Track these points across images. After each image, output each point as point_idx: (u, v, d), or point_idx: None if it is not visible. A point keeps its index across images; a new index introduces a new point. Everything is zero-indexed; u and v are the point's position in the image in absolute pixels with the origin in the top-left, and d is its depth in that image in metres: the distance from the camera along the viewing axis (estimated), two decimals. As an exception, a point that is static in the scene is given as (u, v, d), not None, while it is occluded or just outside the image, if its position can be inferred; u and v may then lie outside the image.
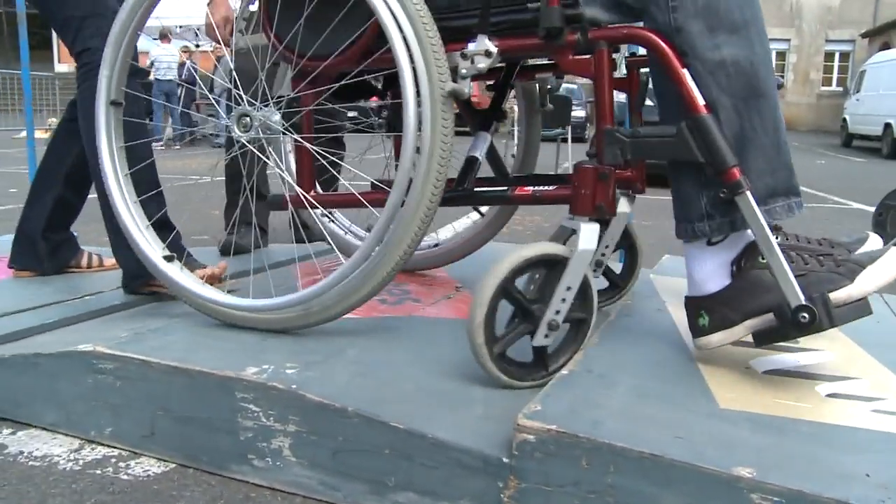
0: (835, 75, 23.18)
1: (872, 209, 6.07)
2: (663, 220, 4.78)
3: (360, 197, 1.46)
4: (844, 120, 16.64)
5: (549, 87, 2.13)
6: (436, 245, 2.00)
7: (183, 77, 11.89)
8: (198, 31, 12.91)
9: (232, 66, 1.57)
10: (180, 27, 11.93)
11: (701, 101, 1.18)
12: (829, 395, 1.19)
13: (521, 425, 0.98)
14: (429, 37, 1.28)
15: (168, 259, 1.52)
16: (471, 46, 1.31)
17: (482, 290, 1.15)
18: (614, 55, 1.57)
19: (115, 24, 1.53)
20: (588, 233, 1.22)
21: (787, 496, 0.87)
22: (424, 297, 1.69)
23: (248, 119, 1.45)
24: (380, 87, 1.71)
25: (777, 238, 1.23)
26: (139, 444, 1.26)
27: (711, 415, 1.09)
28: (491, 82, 1.70)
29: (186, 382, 1.19)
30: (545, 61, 1.73)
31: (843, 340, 1.48)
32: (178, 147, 11.92)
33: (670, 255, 2.34)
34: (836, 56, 23.20)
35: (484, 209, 1.96)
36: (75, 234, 2.13)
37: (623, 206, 1.51)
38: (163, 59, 11.71)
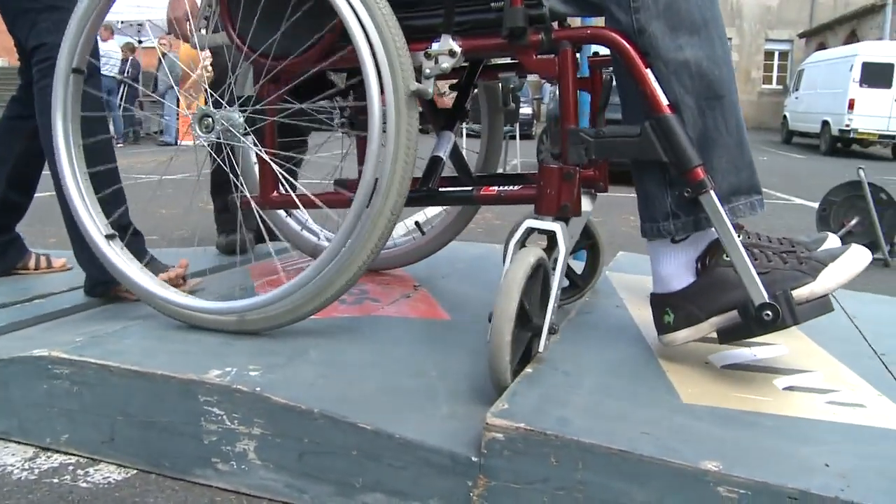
0: (774, 74, 23.77)
1: (814, 205, 6.25)
2: (614, 216, 4.85)
3: (316, 200, 1.44)
4: (785, 117, 17.09)
5: (511, 86, 2.13)
6: (394, 245, 1.99)
7: (126, 74, 11.64)
8: (140, 28, 12.69)
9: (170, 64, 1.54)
10: (122, 23, 11.68)
11: (664, 101, 1.19)
12: (787, 388, 1.22)
13: (489, 424, 0.98)
14: (392, 36, 1.27)
15: (109, 238, 1.48)
16: (435, 46, 1.31)
17: (504, 307, 1.11)
18: (576, 55, 1.59)
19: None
20: (562, 232, 1.22)
21: (753, 488, 0.89)
22: (383, 297, 1.68)
23: (209, 120, 1.43)
24: (342, 85, 1.69)
25: (740, 237, 1.25)
26: (98, 450, 1.22)
27: (675, 410, 1.10)
28: (454, 82, 1.70)
29: (147, 386, 1.17)
30: (508, 60, 1.74)
31: (796, 335, 1.51)
32: (120, 145, 11.66)
33: (624, 251, 2.36)
34: (776, 55, 23.77)
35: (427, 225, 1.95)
36: (21, 234, 2.07)
37: (585, 205, 1.52)
38: (104, 55, 11.44)
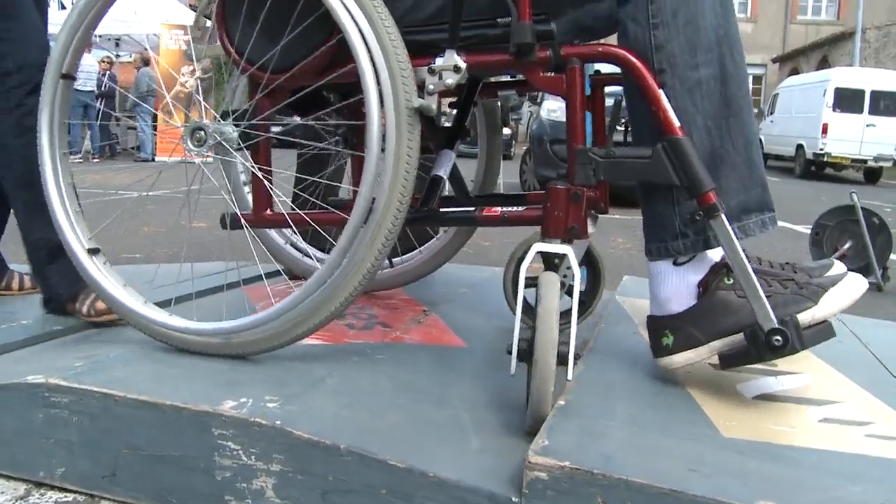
0: (749, 97, 24.09)
1: (797, 227, 6.29)
2: (600, 239, 4.83)
3: (308, 219, 1.39)
4: (760, 140, 17.25)
5: (511, 104, 2.09)
6: (390, 265, 1.93)
7: (103, 88, 11.50)
8: (118, 42, 12.57)
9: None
10: (100, 37, 11.55)
11: (677, 123, 1.16)
12: (822, 421, 1.18)
13: (531, 462, 0.92)
14: (395, 51, 1.22)
15: (92, 252, 1.42)
16: (438, 61, 1.26)
17: (547, 337, 1.06)
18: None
19: (42, 116, 1.43)
20: (573, 255, 1.18)
21: (811, 530, 0.84)
22: (394, 323, 1.62)
23: (202, 133, 1.36)
24: (336, 101, 1.63)
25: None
26: (98, 485, 1.14)
27: (717, 444, 1.05)
28: (453, 100, 1.65)
29: (156, 417, 1.09)
30: (507, 78, 1.69)
31: (815, 362, 1.48)
32: (96, 160, 11.51)
33: (626, 275, 2.32)
34: (750, 79, 24.10)
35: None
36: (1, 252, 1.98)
37: (588, 226, 1.48)
38: (84, 68, 11.31)
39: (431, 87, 1.26)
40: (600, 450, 0.98)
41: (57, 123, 1.44)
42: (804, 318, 1.17)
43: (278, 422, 1.03)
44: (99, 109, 11.62)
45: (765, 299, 1.13)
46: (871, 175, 14.92)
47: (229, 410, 1.06)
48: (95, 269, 1.41)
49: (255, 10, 1.34)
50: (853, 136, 14.07)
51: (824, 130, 14.19)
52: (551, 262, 1.20)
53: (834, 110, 14.20)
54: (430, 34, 1.32)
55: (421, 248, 1.89)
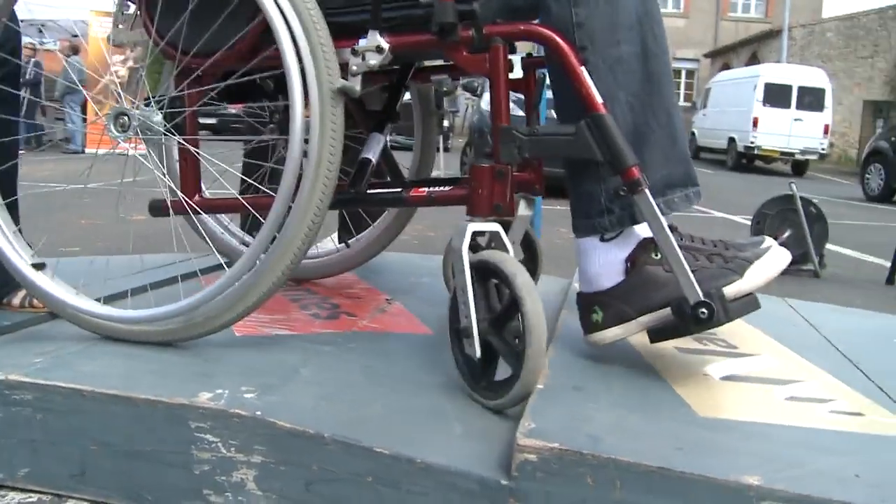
0: (682, 91, 24.65)
1: (734, 217, 6.47)
2: (545, 229, 4.86)
3: (244, 202, 1.37)
4: (693, 133, 17.73)
5: (444, 89, 2.09)
6: (319, 255, 1.91)
7: (27, 77, 11.08)
8: (42, 28, 12.13)
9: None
10: (22, 21, 11.12)
11: (599, 100, 1.17)
12: (788, 399, 1.21)
13: (521, 445, 0.92)
14: (317, 32, 1.22)
15: (37, 267, 1.37)
16: (361, 42, 1.26)
17: (540, 316, 1.06)
18: (511, 56, 1.55)
19: None
20: (460, 231, 1.17)
21: (797, 501, 0.86)
22: (358, 312, 1.60)
23: (125, 118, 1.33)
24: (271, 87, 1.61)
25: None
26: (66, 485, 1.10)
27: (696, 424, 1.07)
28: (384, 84, 1.64)
29: (129, 412, 1.06)
30: (441, 63, 1.69)
31: (771, 344, 1.52)
32: (22, 152, 11.08)
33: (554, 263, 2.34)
34: (683, 73, 24.69)
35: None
36: None
37: (522, 209, 1.50)
38: (2, 56, 10.90)
39: (355, 68, 1.25)
40: (587, 431, 0.98)
41: None
42: (730, 290, 1.18)
43: (258, 412, 1.01)
44: (23, 99, 11.20)
45: (690, 273, 1.14)
46: (798, 167, 15.44)
47: (206, 402, 1.03)
48: (45, 283, 1.36)
49: None
50: (782, 130, 14.52)
51: (755, 124, 14.62)
52: (477, 242, 1.20)
53: (764, 105, 14.63)
54: (354, 16, 1.32)
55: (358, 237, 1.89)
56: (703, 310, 1.13)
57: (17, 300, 1.61)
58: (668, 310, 1.19)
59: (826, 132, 14.90)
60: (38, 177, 7.03)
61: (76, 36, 11.31)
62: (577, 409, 1.07)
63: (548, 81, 1.34)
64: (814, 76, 15.07)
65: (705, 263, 1.22)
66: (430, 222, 4.51)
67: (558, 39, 1.19)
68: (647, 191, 1.15)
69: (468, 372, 1.16)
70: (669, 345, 1.44)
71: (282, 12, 1.21)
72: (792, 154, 14.87)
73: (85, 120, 11.23)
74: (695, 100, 21.23)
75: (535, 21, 1.28)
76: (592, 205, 1.26)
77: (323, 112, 1.21)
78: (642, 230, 1.26)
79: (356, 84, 1.24)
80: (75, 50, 11.17)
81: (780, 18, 18.97)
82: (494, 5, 1.31)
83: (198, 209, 1.40)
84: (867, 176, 11.11)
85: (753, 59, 20.92)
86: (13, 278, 1.58)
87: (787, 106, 14.69)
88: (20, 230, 1.42)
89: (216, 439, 1.02)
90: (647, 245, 1.24)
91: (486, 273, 1.14)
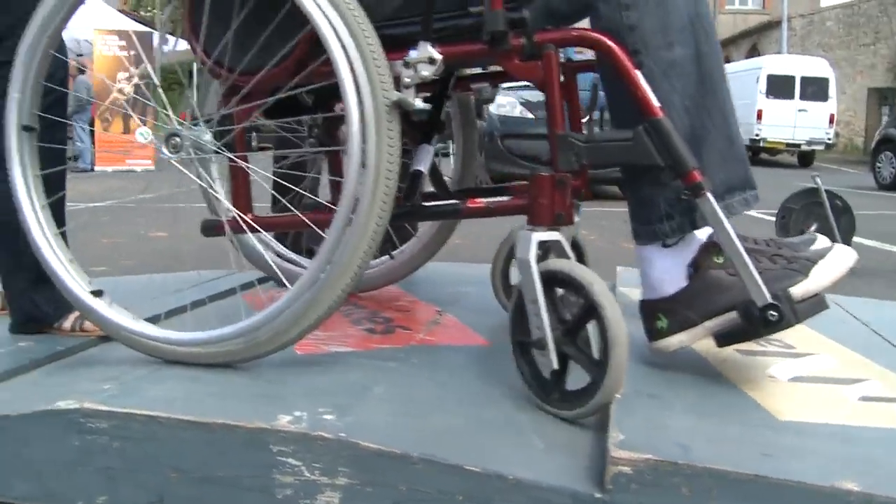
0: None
1: (747, 212, 6.44)
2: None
3: (305, 219, 1.36)
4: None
5: (484, 97, 2.07)
6: (380, 263, 1.90)
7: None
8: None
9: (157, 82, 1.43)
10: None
11: (656, 103, 1.16)
12: (861, 399, 1.20)
13: (615, 457, 0.91)
14: (370, 45, 1.21)
15: (96, 294, 1.38)
16: (413, 54, 1.24)
17: (622, 335, 1.04)
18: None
19: (25, 38, 1.37)
20: (523, 241, 1.16)
21: (899, 507, 0.85)
22: (412, 325, 1.59)
23: (177, 139, 1.34)
24: (310, 102, 1.60)
25: None
26: (144, 512, 1.10)
27: (777, 428, 1.06)
28: (427, 95, 1.64)
29: (206, 438, 1.05)
30: (480, 71, 1.68)
31: (826, 342, 1.51)
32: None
33: (622, 266, 2.34)
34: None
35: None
36: None
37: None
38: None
39: (407, 80, 1.24)
40: (674, 440, 0.97)
41: (30, 176, 1.41)
42: (796, 291, 1.17)
43: (342, 434, 1.00)
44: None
45: (757, 275, 1.13)
46: (805, 158, 15.41)
47: (287, 426, 1.02)
48: (104, 309, 1.36)
49: (223, 12, 1.31)
50: (786, 122, 14.51)
51: (759, 116, 14.60)
52: (547, 252, 1.20)
53: (767, 97, 14.62)
54: (402, 28, 1.31)
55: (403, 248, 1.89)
56: (773, 312, 1.12)
57: (67, 324, 1.61)
58: (733, 313, 1.18)
59: (831, 122, 14.89)
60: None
61: (81, 55, 11.35)
62: (657, 417, 1.06)
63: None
64: (817, 66, 15.05)
65: (769, 265, 1.20)
66: (457, 231, 4.50)
67: (611, 44, 1.18)
68: (709, 194, 1.14)
69: (538, 384, 1.15)
70: (729, 347, 1.43)
71: (332, 26, 1.20)
72: (798, 145, 14.85)
73: (93, 138, 11.26)
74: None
75: (586, 27, 1.28)
76: (652, 211, 1.25)
77: (379, 125, 1.20)
78: (702, 233, 1.25)
79: (410, 96, 1.23)
80: (81, 70, 11.21)
81: (779, 9, 18.99)
82: (535, 11, 1.31)
83: (256, 227, 1.39)
84: (878, 165, 11.09)
85: (753, 52, 20.92)
86: (64, 304, 1.58)
87: (791, 97, 14.68)
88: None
89: (299, 463, 1.01)
90: (709, 249, 1.23)
91: (554, 282, 1.14)
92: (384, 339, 1.49)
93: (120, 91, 10.98)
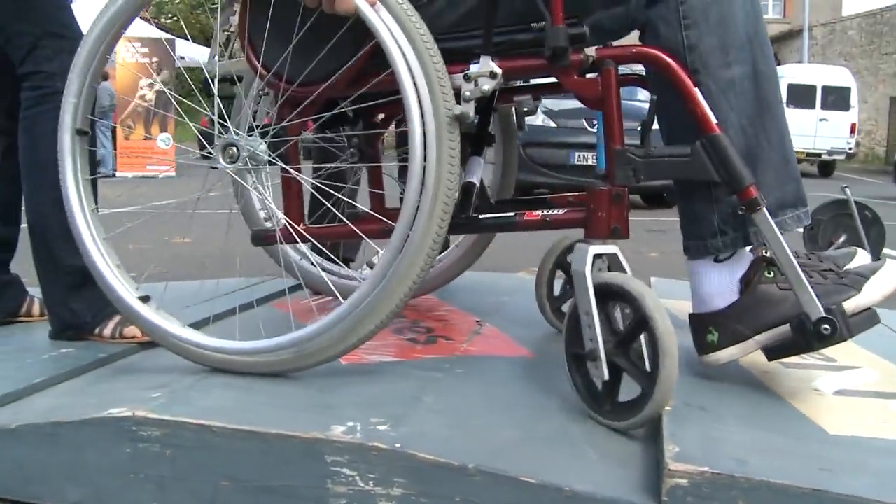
0: (701, 96, 24.52)
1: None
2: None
3: (356, 229, 1.37)
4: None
5: (525, 109, 2.09)
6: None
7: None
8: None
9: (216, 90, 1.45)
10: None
11: (714, 120, 1.17)
12: (909, 413, 1.20)
13: (671, 470, 0.91)
14: (432, 58, 1.21)
15: (143, 300, 1.39)
16: (473, 68, 1.25)
17: (673, 347, 1.05)
18: (590, 76, 1.55)
19: (83, 49, 1.39)
20: (580, 254, 1.17)
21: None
22: (454, 336, 1.60)
23: (234, 149, 1.35)
24: (351, 114, 1.61)
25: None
26: (196, 520, 1.10)
27: (830, 442, 1.06)
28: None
29: (261, 448, 1.06)
30: (522, 84, 1.69)
31: (868, 356, 1.50)
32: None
33: (655, 277, 2.33)
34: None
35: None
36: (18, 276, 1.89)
37: None
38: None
39: (468, 93, 1.24)
40: (729, 453, 0.97)
41: (81, 180, 1.44)
42: (848, 306, 1.18)
43: (398, 444, 1.01)
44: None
45: (810, 289, 1.14)
46: (825, 168, 15.31)
47: (342, 436, 1.03)
48: (152, 315, 1.38)
49: (281, 24, 1.32)
50: (807, 131, 14.42)
51: (780, 126, 14.50)
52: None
53: (788, 106, 14.50)
54: (463, 41, 1.32)
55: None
56: (826, 326, 1.13)
57: (108, 331, 1.63)
58: (784, 327, 1.19)
59: (853, 131, 14.79)
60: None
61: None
62: (710, 430, 1.06)
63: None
64: (838, 75, 14.97)
65: (819, 280, 1.21)
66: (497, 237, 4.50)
67: (671, 62, 1.19)
68: (765, 209, 1.15)
69: (590, 395, 1.16)
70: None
71: (396, 40, 1.21)
72: (818, 155, 14.76)
73: (115, 144, 11.36)
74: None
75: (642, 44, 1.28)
76: (705, 226, 1.26)
77: (440, 139, 1.20)
78: (749, 251, 1.26)
79: (470, 110, 1.23)
80: (105, 76, 11.31)
81: (800, 18, 18.89)
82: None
83: (308, 237, 1.40)
84: (903, 174, 10.99)
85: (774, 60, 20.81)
86: (102, 310, 1.60)
87: (812, 106, 14.60)
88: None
89: (353, 473, 1.02)
90: (759, 264, 1.24)
91: (608, 295, 1.14)
92: (427, 349, 1.50)
93: (142, 98, 11.09)
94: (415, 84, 1.20)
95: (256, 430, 1.06)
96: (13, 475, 1.19)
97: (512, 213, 1.38)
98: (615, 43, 1.33)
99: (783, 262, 1.15)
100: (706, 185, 1.22)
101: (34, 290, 1.87)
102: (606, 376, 1.11)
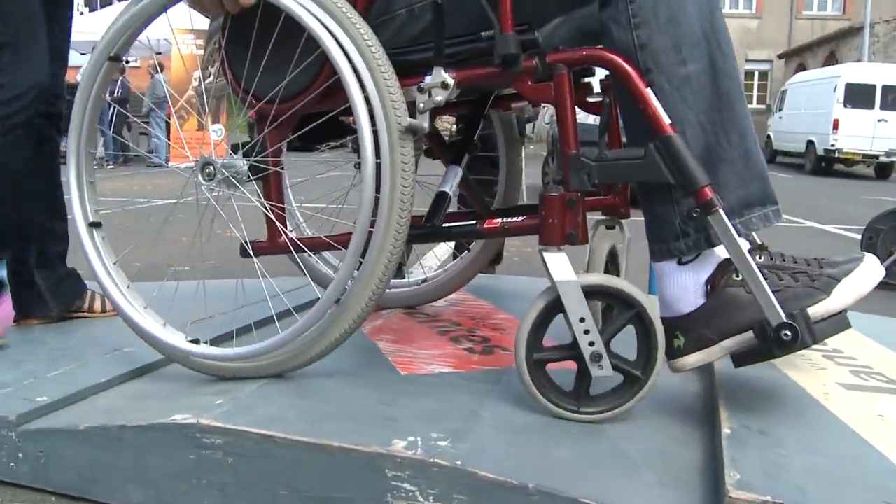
0: (755, 93, 24.15)
1: (825, 227, 6.28)
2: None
3: (328, 240, 1.43)
4: (769, 137, 17.31)
5: (526, 116, 2.07)
6: (424, 280, 1.94)
7: (115, 95, 11.45)
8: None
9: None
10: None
11: (667, 121, 1.15)
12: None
13: (733, 497, 0.91)
14: (382, 72, 1.25)
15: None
16: (427, 80, 1.27)
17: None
18: (589, 79, 1.54)
19: (70, 138, 1.49)
20: (556, 263, 1.19)
21: None
22: (510, 345, 1.59)
23: (211, 168, 1.40)
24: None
25: (761, 257, 1.24)
26: (257, 526, 1.13)
27: (893, 473, 1.04)
28: (460, 114, 1.66)
29: (322, 460, 1.08)
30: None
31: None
32: (111, 166, 11.51)
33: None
34: (756, 75, 24.19)
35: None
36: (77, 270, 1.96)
37: (616, 238, 1.51)
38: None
39: (422, 105, 1.28)
40: (790, 481, 0.96)
41: (83, 144, 1.49)
42: (817, 310, 1.14)
43: (459, 462, 1.02)
44: (112, 115, 11.59)
45: (770, 294, 1.12)
46: (882, 170, 14.91)
47: (403, 451, 1.04)
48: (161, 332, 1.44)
49: (254, 47, 1.37)
50: (864, 132, 14.07)
51: (835, 126, 14.19)
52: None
53: (845, 106, 14.21)
54: (418, 54, 1.34)
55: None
56: (787, 332, 1.11)
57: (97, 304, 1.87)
58: (750, 333, 1.16)
59: (913, 132, 14.37)
60: (129, 192, 7.28)
61: (159, 53, 11.67)
62: (770, 455, 1.05)
63: None
64: (899, 74, 14.55)
65: (790, 283, 1.18)
66: (527, 238, 4.50)
67: (621, 62, 1.18)
68: (721, 211, 1.13)
69: (566, 395, 1.23)
70: (832, 381, 1.40)
71: (347, 56, 1.25)
72: (876, 156, 14.38)
73: (168, 135, 11.55)
74: (769, 102, 20.72)
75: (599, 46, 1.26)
76: (667, 228, 1.23)
77: (392, 151, 1.24)
78: (722, 251, 1.21)
79: (424, 121, 1.27)
80: (159, 68, 11.53)
81: (860, 15, 18.39)
82: (566, 31, 1.32)
83: (294, 247, 1.45)
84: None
85: (831, 59, 20.33)
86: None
87: (871, 106, 14.23)
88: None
89: (414, 488, 1.03)
90: (727, 266, 1.20)
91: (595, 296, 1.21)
92: (484, 360, 1.51)
93: (195, 89, 11.27)
94: (365, 97, 1.24)
95: (318, 443, 1.08)
96: (81, 475, 1.23)
97: (473, 222, 1.41)
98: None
99: (740, 265, 1.13)
100: (666, 187, 1.19)
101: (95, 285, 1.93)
102: (611, 373, 1.17)
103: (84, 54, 13.00)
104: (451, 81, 1.26)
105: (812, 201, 8.29)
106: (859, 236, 3.81)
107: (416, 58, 1.34)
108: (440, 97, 1.27)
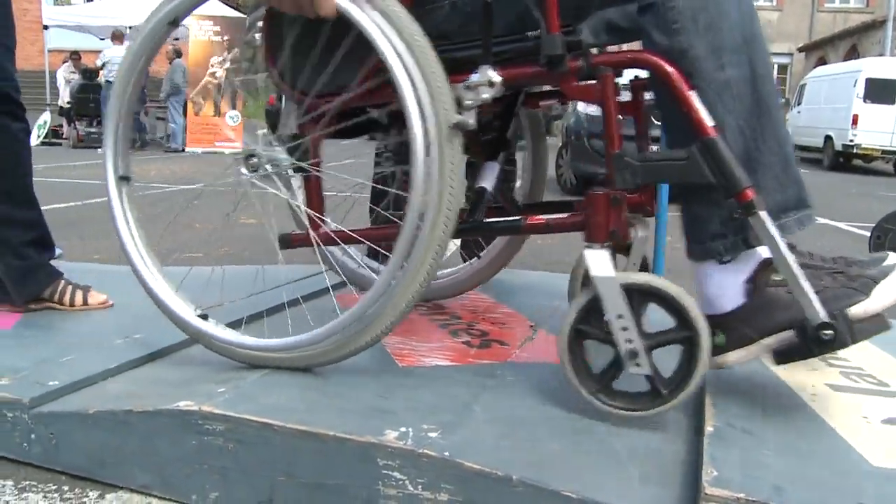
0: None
1: (839, 224, 6.25)
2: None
3: (357, 236, 1.45)
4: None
5: (553, 113, 2.09)
6: (453, 273, 1.98)
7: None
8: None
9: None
10: (130, 27, 11.59)
11: (710, 123, 1.18)
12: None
13: (708, 494, 0.94)
14: (431, 69, 1.26)
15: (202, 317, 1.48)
16: (473, 77, 1.30)
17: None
18: (617, 80, 1.56)
19: (112, 98, 1.52)
20: (597, 259, 1.21)
21: None
22: (510, 340, 1.64)
23: (255, 160, 1.43)
24: (386, 120, 1.66)
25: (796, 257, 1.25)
26: (255, 510, 1.18)
27: (873, 475, 1.07)
28: (494, 112, 1.68)
29: (317, 448, 1.12)
30: (548, 88, 1.71)
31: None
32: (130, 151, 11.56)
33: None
34: (776, 68, 23.95)
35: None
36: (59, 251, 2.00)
37: (640, 231, 1.51)
38: (116, 60, 11.36)
39: (468, 102, 1.30)
40: (768, 480, 1.00)
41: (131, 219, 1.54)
42: (856, 311, 1.17)
43: (447, 453, 1.06)
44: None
45: (811, 293, 1.14)
46: (902, 166, 14.76)
47: (395, 442, 1.09)
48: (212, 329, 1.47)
49: (297, 41, 1.40)
50: (885, 128, 13.91)
51: (854, 121, 14.04)
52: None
53: (865, 101, 14.05)
54: (464, 51, 1.37)
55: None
56: (828, 331, 1.14)
57: (79, 298, 1.87)
58: (791, 332, 1.20)
59: (934, 129, 14.20)
60: (146, 177, 7.35)
61: (178, 39, 11.72)
62: (751, 454, 1.08)
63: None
64: (922, 70, 14.37)
65: (829, 283, 1.21)
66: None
67: (665, 65, 1.20)
68: (762, 213, 1.15)
69: (590, 374, 1.25)
70: (821, 382, 1.43)
71: (396, 52, 1.27)
72: (895, 152, 14.24)
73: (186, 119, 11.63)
74: (788, 96, 20.52)
75: (639, 48, 1.30)
76: (706, 229, 1.27)
77: (441, 146, 1.26)
78: (764, 250, 1.25)
79: (470, 118, 1.29)
80: (178, 54, 11.58)
81: (884, 7, 18.17)
82: (594, 25, 1.34)
83: (319, 243, 1.47)
84: None
85: (853, 52, 20.12)
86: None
87: (892, 102, 14.06)
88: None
89: (403, 477, 1.07)
90: (768, 265, 1.24)
91: (634, 295, 1.21)
92: (481, 354, 1.55)
93: (212, 75, 11.33)
94: (416, 94, 1.26)
95: (314, 431, 1.13)
96: (90, 457, 1.28)
97: (518, 218, 1.44)
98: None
99: (781, 266, 1.16)
100: (706, 188, 1.22)
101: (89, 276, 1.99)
102: (651, 371, 1.18)
103: (103, 39, 13.09)
104: (497, 79, 1.29)
105: (826, 197, 8.24)
106: (868, 234, 3.82)
107: (460, 55, 1.36)
108: (486, 94, 1.29)
